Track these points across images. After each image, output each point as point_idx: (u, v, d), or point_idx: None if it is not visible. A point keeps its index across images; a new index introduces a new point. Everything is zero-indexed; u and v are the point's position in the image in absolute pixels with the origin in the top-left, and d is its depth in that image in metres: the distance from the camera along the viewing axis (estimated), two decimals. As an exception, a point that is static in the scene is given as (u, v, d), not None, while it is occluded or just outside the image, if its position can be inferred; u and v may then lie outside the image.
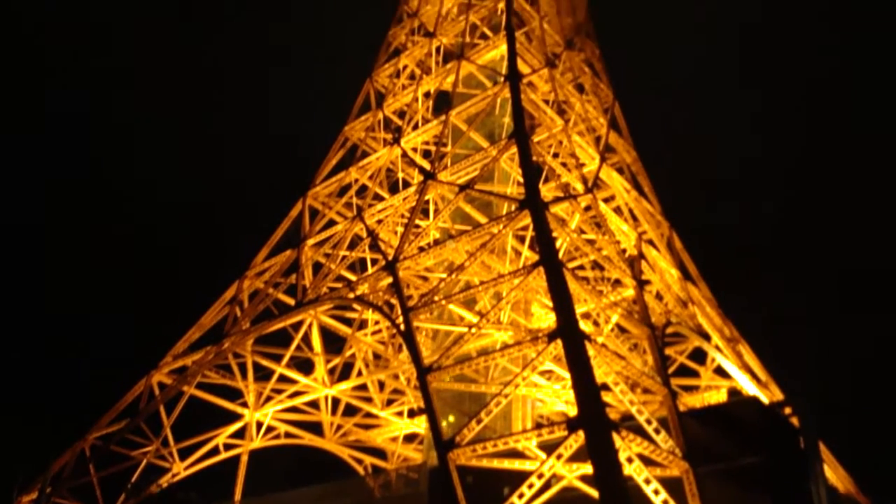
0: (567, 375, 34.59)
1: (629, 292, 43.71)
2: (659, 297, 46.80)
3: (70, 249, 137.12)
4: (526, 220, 38.27)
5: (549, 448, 29.80)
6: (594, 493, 27.72)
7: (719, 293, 54.68)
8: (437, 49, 56.54)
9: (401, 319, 38.03)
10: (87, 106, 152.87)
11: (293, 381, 51.19)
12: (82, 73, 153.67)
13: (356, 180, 53.47)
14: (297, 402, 52.25)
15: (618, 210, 51.39)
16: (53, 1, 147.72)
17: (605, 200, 51.08)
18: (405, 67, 58.30)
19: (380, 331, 53.50)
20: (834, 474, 48.06)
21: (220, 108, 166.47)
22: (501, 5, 54.71)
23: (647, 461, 30.48)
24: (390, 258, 42.34)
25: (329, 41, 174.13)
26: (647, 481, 29.22)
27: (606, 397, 34.26)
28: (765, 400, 42.36)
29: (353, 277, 48.96)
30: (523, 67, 50.53)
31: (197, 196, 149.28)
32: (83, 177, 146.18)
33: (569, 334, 31.39)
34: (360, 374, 52.01)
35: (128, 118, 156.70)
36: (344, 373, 51.41)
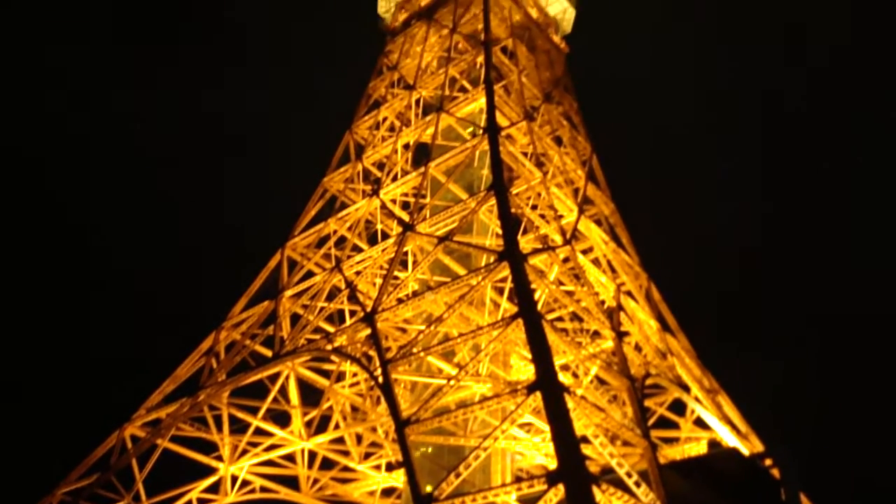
0: (546, 428, 34.25)
1: (608, 344, 43.57)
2: (638, 348, 46.69)
3: (40, 297, 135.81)
4: (505, 271, 38.21)
5: (529, 502, 29.39)
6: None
7: (698, 344, 54.68)
8: (417, 101, 56.99)
9: (379, 371, 37.67)
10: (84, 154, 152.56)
11: (269, 434, 50.40)
12: (77, 137, 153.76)
13: (335, 231, 53.37)
14: (273, 455, 51.39)
15: (596, 262, 51.48)
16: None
17: (584, 252, 51.19)
18: (385, 119, 58.68)
19: (358, 383, 52.93)
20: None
21: (203, 163, 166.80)
22: (480, 59, 55.35)
23: (628, 515, 30.11)
24: (369, 310, 42.10)
25: (311, 93, 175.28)
26: (628, 536, 28.84)
27: (586, 450, 33.96)
28: (745, 451, 42.13)
29: (331, 329, 48.56)
30: (502, 120, 50.92)
31: (174, 246, 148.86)
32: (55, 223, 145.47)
33: (548, 386, 31.16)
34: (337, 426, 51.29)
35: (104, 162, 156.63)
36: (321, 425, 50.69)
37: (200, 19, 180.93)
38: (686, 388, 46.99)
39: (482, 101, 51.30)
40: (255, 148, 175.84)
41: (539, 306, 38.56)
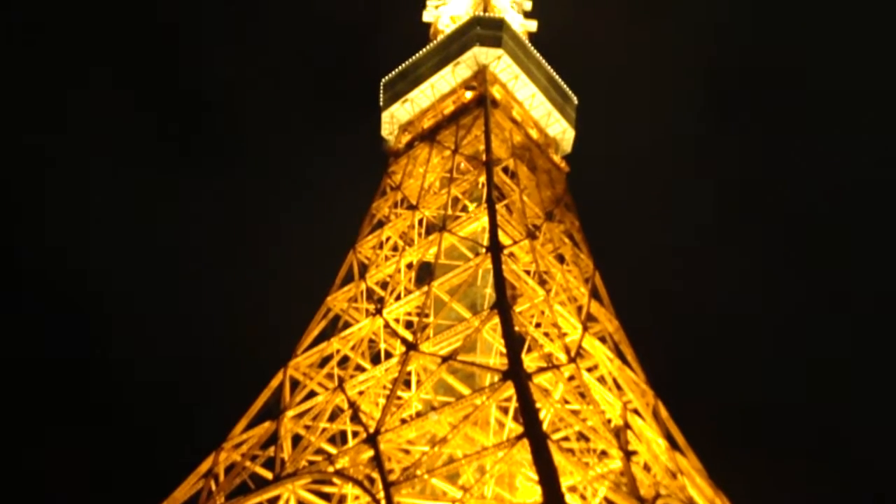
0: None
1: (616, 464, 42.69)
2: (647, 468, 45.73)
3: (37, 422, 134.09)
4: (509, 391, 37.82)
5: None
6: None
7: (708, 463, 53.50)
8: (420, 221, 57.65)
9: (382, 494, 36.84)
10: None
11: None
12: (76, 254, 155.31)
13: (338, 351, 53.05)
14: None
15: (602, 379, 50.95)
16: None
17: (589, 370, 50.70)
18: (388, 239, 59.20)
19: (360, 506, 51.69)
20: None
21: (205, 282, 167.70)
22: (482, 179, 56.26)
23: None
24: (371, 431, 41.47)
25: (315, 212, 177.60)
26: None
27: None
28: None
29: (333, 450, 47.72)
30: (504, 239, 51.35)
31: (173, 364, 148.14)
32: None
33: (555, 510, 30.42)
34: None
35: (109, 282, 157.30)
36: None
37: (207, 136, 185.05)
38: (697, 510, 45.77)
39: (484, 221, 51.88)
40: (258, 266, 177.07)
41: (545, 426, 38.02)
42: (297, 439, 48.75)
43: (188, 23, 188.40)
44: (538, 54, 69.37)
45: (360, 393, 47.60)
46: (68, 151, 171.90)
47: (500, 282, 45.24)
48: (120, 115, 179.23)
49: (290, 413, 50.03)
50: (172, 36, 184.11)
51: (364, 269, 57.88)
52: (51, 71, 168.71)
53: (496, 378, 39.21)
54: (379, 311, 51.34)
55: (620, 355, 54.71)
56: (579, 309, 52.10)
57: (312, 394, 51.47)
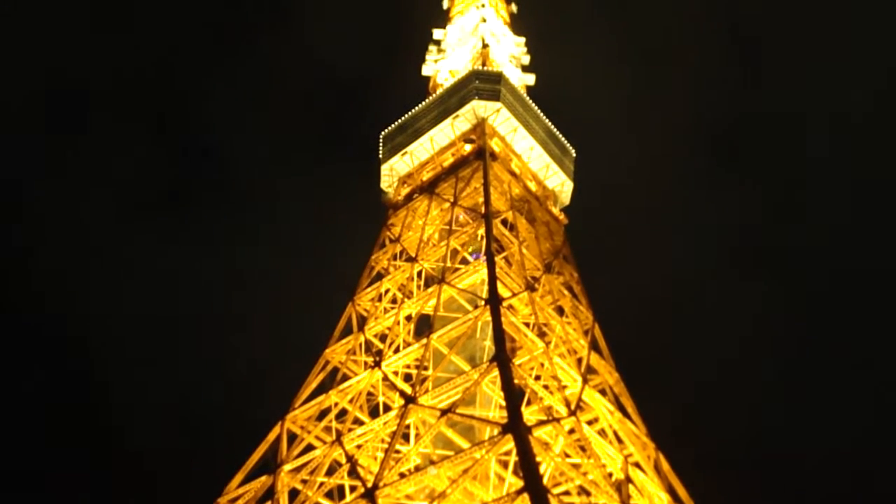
0: None
1: (618, 519, 42.18)
2: (648, 524, 45.16)
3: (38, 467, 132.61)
4: (509, 444, 37.51)
5: None
6: None
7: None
8: (419, 273, 57.66)
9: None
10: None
11: None
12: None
13: (336, 404, 52.66)
14: None
15: (602, 432, 50.49)
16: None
17: (589, 423, 50.27)
18: (387, 291, 59.15)
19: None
20: None
21: (198, 329, 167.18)
22: (481, 231, 56.43)
23: None
24: (369, 485, 41.02)
25: (312, 265, 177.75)
26: None
27: None
28: None
29: (330, 506, 47.21)
30: (503, 291, 51.33)
31: (170, 416, 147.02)
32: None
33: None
34: None
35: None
36: None
37: (206, 185, 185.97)
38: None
39: (483, 273, 51.93)
40: (256, 318, 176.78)
41: (545, 480, 37.63)
42: (294, 494, 48.19)
43: (188, 73, 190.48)
44: (536, 107, 70.03)
45: (359, 447, 47.17)
46: (65, 198, 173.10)
47: (499, 334, 45.13)
48: (116, 165, 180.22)
49: (287, 467, 49.52)
50: (172, 86, 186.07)
51: (363, 321, 57.73)
52: (50, 115, 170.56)
53: (496, 431, 38.93)
54: (378, 364, 51.12)
55: (621, 408, 54.34)
56: (579, 361, 51.88)
57: (310, 447, 50.99)
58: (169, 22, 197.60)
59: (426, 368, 48.14)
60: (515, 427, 37.59)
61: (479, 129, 65.94)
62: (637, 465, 49.90)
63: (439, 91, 70.77)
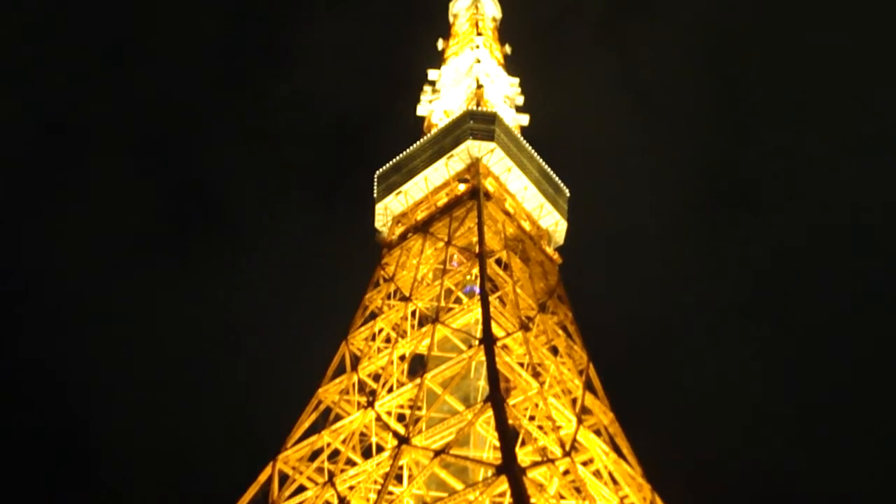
0: None
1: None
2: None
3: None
4: (503, 485, 37.14)
5: None
6: None
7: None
8: (413, 313, 57.48)
9: None
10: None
11: None
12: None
13: (328, 444, 52.17)
14: None
15: (597, 474, 50.08)
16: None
17: (584, 464, 49.91)
18: (381, 331, 58.91)
19: None
20: None
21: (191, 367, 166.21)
22: (475, 271, 56.36)
23: None
24: (362, 527, 40.49)
25: (305, 304, 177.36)
26: None
27: None
28: None
29: (322, 548, 46.58)
30: (497, 331, 51.19)
31: (162, 456, 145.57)
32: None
33: None
34: None
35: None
36: None
37: (203, 224, 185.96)
38: None
39: (478, 313, 51.78)
40: (248, 356, 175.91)
41: (540, 523, 37.14)
42: (285, 536, 47.58)
43: (188, 114, 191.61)
44: (530, 147, 70.37)
45: (351, 488, 46.71)
46: (62, 235, 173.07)
47: (493, 374, 44.93)
48: (116, 204, 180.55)
49: (279, 509, 48.91)
50: (172, 125, 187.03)
51: (356, 360, 57.44)
52: (49, 153, 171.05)
53: (490, 473, 38.58)
54: (371, 404, 50.78)
55: (616, 448, 53.93)
56: (574, 401, 51.60)
57: (302, 489, 50.42)
58: (170, 64, 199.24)
59: (420, 408, 47.79)
60: (510, 468, 37.26)
61: (474, 168, 66.17)
62: (633, 506, 49.44)
63: (434, 131, 71.13)
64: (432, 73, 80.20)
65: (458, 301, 56.66)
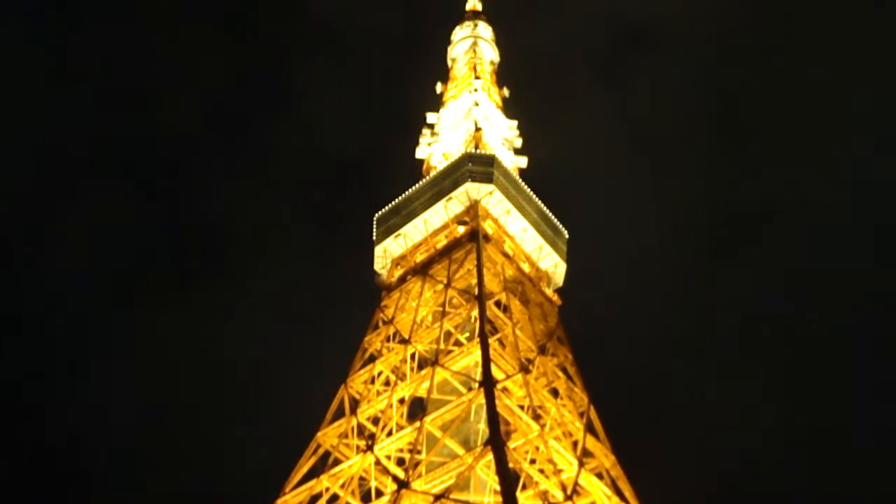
0: None
1: None
2: None
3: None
4: (504, 531, 36.71)
5: None
6: None
7: None
8: (412, 356, 57.29)
9: None
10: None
11: None
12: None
13: (327, 489, 51.78)
14: None
15: (599, 518, 49.68)
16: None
17: (586, 508, 49.52)
18: (380, 374, 58.67)
19: None
20: None
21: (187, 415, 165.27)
22: (475, 313, 56.28)
23: None
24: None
25: (304, 346, 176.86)
26: None
27: None
28: None
29: None
30: (497, 373, 51.04)
31: (156, 498, 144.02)
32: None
33: None
34: None
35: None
36: None
37: (199, 269, 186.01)
38: None
39: (477, 355, 51.64)
40: (248, 399, 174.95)
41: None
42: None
43: (188, 158, 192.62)
44: (528, 189, 70.65)
45: (351, 534, 46.14)
46: (61, 274, 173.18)
47: (493, 417, 44.72)
48: (117, 248, 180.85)
49: (278, 556, 48.38)
50: (173, 171, 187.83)
51: (355, 404, 57.13)
52: (49, 190, 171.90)
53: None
54: (370, 448, 50.45)
55: (618, 492, 53.46)
56: (575, 444, 51.29)
57: (301, 535, 49.94)
58: (171, 102, 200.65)
59: (419, 452, 47.49)
60: (510, 513, 36.89)
61: (473, 210, 66.36)
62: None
63: (433, 173, 71.44)
64: (431, 117, 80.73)
65: (457, 343, 56.50)
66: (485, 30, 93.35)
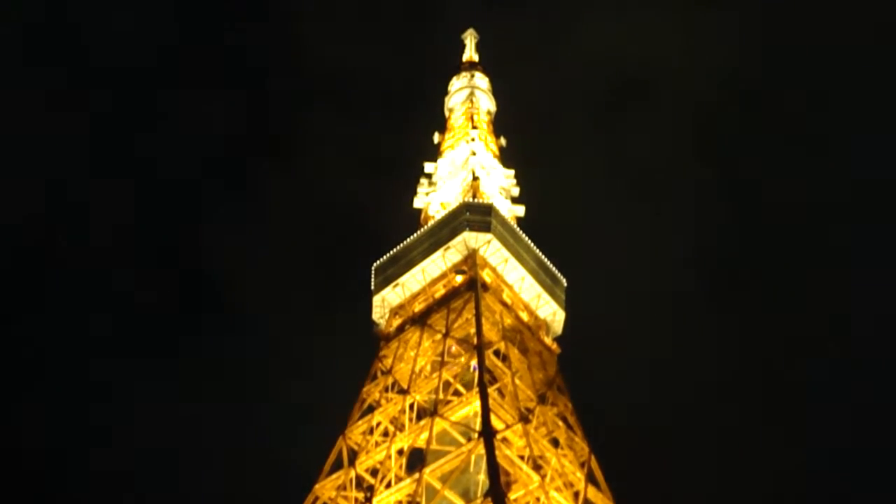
0: None
1: None
2: None
3: None
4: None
5: None
6: None
7: None
8: (411, 406, 56.98)
9: None
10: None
11: None
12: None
13: (326, 543, 51.18)
14: None
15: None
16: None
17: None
18: (378, 424, 58.26)
19: None
20: None
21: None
22: (473, 362, 56.04)
23: None
24: None
25: (301, 401, 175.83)
26: None
27: None
28: None
29: None
30: (497, 423, 50.69)
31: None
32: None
33: None
34: None
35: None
36: None
37: (197, 318, 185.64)
38: None
39: (476, 405, 51.35)
40: (246, 449, 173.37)
41: None
42: None
43: (186, 199, 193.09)
44: (526, 238, 70.78)
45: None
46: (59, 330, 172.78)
47: (493, 468, 44.32)
48: (120, 294, 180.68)
49: None
50: (173, 216, 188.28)
51: (353, 455, 56.65)
52: (48, 241, 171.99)
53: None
54: (368, 500, 50.01)
55: (620, 544, 52.90)
56: (576, 495, 50.80)
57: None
58: (170, 152, 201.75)
59: (419, 504, 46.94)
60: (511, 566, 36.39)
61: (471, 260, 66.43)
62: None
63: (431, 223, 71.66)
64: (429, 166, 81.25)
65: (456, 393, 56.20)
66: (481, 80, 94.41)
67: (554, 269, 71.52)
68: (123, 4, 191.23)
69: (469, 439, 49.41)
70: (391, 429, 56.62)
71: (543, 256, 71.06)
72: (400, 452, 53.92)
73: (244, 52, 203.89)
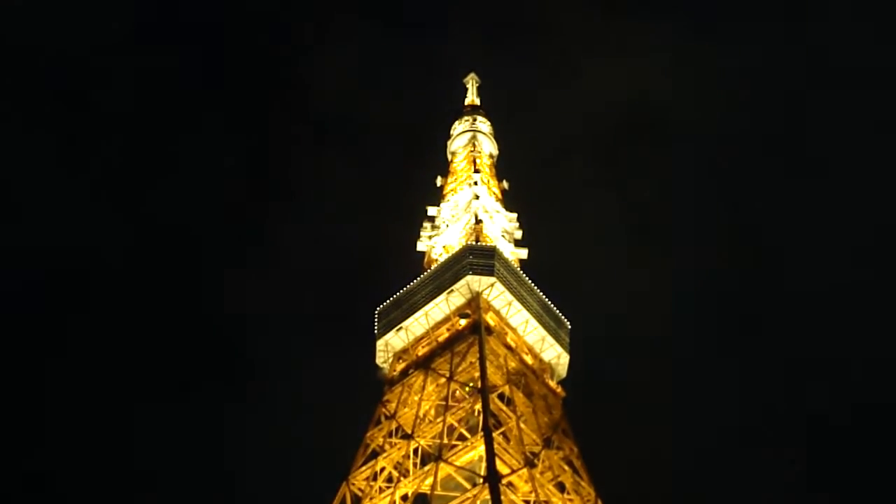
0: None
1: None
2: None
3: None
4: None
5: None
6: None
7: None
8: (415, 451, 56.59)
9: None
10: None
11: None
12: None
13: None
14: None
15: None
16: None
17: None
18: (382, 469, 57.80)
19: None
20: None
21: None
22: (478, 406, 55.76)
23: None
24: None
25: (307, 447, 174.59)
26: None
27: None
28: None
29: None
30: (502, 468, 50.33)
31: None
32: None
33: None
34: None
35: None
36: None
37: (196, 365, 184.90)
38: None
39: (481, 449, 51.03)
40: (246, 497, 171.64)
41: None
42: None
43: (190, 245, 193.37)
44: (530, 281, 70.80)
45: None
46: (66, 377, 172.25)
47: (499, 514, 43.81)
48: (116, 343, 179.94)
49: None
50: (174, 256, 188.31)
51: (357, 501, 56.22)
52: (51, 295, 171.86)
53: None
54: (373, 548, 49.25)
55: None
56: (582, 540, 50.17)
57: None
58: (172, 203, 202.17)
59: (423, 552, 46.43)
60: None
61: (474, 303, 66.35)
62: None
63: (434, 266, 71.75)
64: (431, 210, 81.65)
65: (461, 438, 55.84)
66: (483, 124, 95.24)
67: (558, 311, 71.45)
68: (128, 49, 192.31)
69: (474, 484, 49.00)
70: (395, 474, 56.18)
71: (547, 299, 71.04)
72: (404, 498, 53.46)
73: (246, 96, 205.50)
